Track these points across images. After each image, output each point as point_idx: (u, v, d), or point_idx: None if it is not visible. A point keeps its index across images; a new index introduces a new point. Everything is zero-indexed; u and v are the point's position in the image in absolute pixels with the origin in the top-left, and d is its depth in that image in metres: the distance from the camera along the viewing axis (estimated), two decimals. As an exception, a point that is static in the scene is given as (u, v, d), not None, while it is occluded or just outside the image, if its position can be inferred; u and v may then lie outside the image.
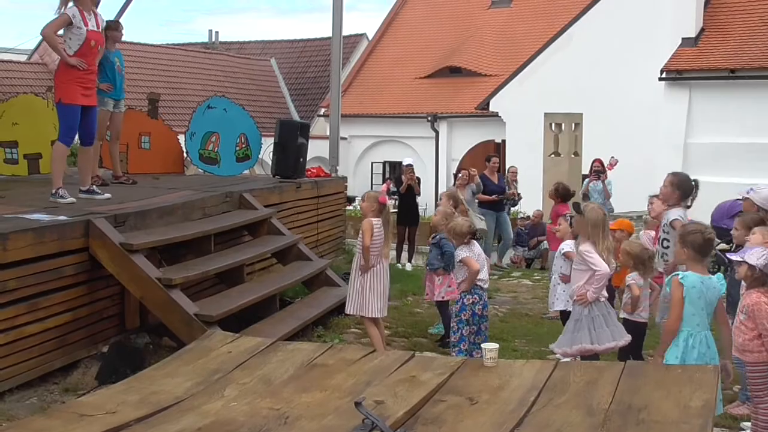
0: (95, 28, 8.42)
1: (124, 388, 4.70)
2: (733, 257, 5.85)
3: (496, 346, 4.97)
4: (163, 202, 8.62)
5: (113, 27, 10.35)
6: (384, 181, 28.83)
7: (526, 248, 16.47)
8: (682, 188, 7.20)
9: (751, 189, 7.17)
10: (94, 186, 8.87)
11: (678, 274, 5.51)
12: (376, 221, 7.83)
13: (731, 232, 6.84)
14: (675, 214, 7.18)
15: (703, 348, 5.46)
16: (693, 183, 7.31)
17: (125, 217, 7.66)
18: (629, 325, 6.82)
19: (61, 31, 8.33)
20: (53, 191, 8.31)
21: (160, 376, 4.88)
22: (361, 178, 30.47)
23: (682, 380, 4.48)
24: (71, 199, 8.27)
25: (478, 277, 7.74)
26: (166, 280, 7.06)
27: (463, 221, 8.33)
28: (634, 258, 7.00)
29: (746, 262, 5.50)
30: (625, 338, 6.63)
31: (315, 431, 3.87)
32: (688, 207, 7.31)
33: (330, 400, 4.32)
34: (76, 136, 8.51)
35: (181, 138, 12.66)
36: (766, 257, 5.45)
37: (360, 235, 7.90)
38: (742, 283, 5.80)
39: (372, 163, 32.16)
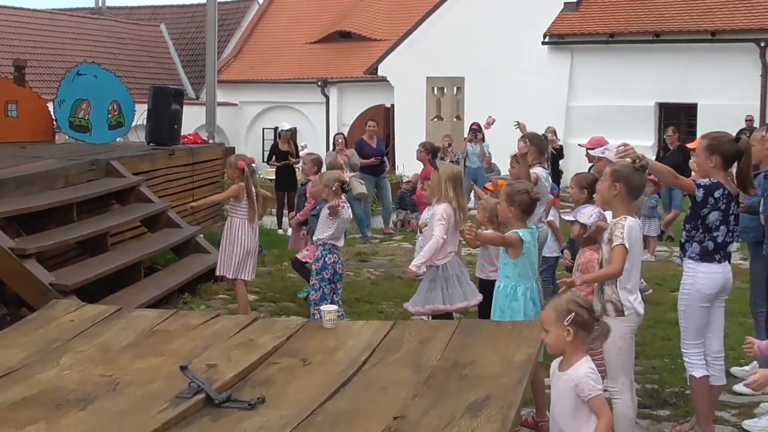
0: None
1: (-43, 360, 4.65)
2: (567, 217, 6.06)
3: (335, 307, 5.09)
4: (23, 171, 8.44)
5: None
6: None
7: (408, 210, 16.54)
8: (535, 143, 7.36)
9: (606, 149, 7.33)
10: None
11: (517, 232, 5.65)
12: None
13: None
14: (539, 172, 7.34)
15: (536, 299, 5.72)
16: (545, 139, 7.51)
17: (-20, 188, 7.51)
18: (484, 284, 6.95)
19: None
20: None
21: (-5, 347, 4.84)
22: (253, 145, 30.16)
23: (511, 336, 4.65)
24: None
25: (335, 237, 7.64)
26: (20, 249, 6.95)
27: (333, 171, 8.30)
28: (489, 213, 7.04)
29: (578, 222, 5.71)
30: (477, 298, 6.74)
31: (141, 396, 3.90)
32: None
33: (164, 365, 4.34)
34: None
35: (51, 106, 12.36)
36: (597, 216, 5.66)
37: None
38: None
39: (263, 129, 31.86)
